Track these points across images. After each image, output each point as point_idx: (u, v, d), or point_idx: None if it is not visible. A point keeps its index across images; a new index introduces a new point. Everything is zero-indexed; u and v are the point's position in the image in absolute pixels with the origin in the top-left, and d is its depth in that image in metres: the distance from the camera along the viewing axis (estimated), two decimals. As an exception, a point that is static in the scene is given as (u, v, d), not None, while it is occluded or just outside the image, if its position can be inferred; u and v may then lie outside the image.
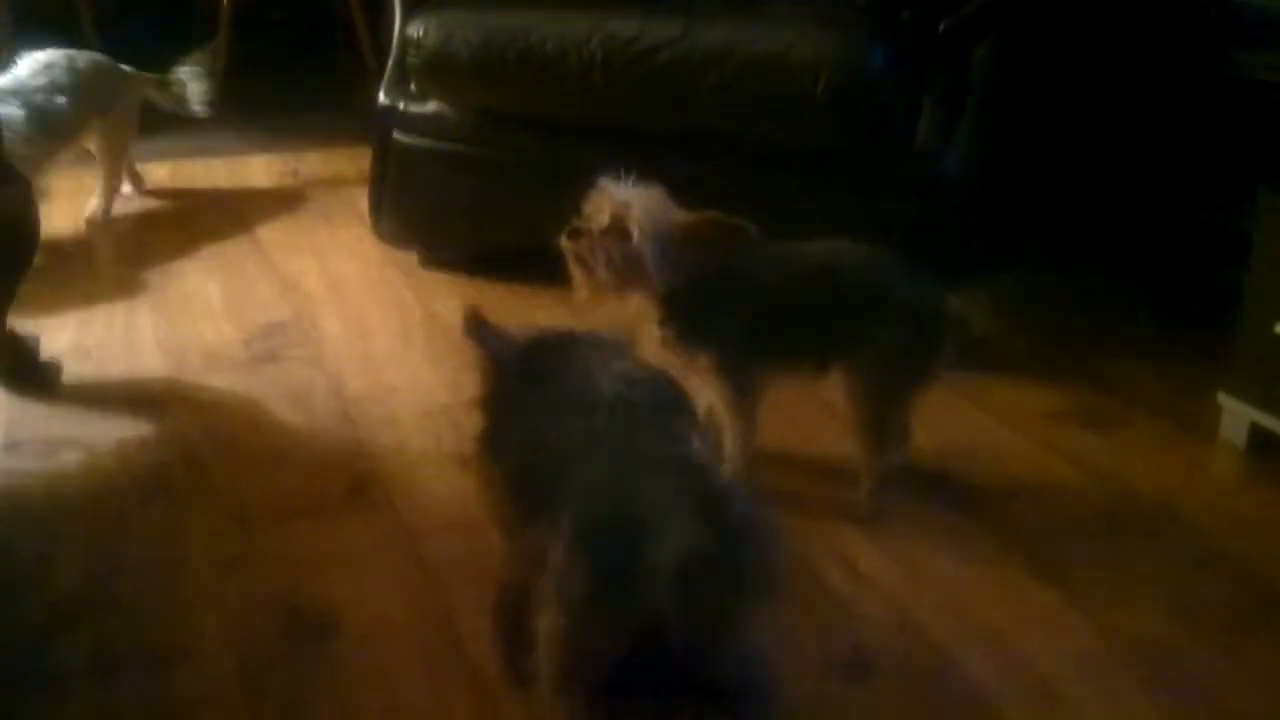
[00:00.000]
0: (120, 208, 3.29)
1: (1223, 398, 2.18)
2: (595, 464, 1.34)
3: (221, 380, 2.36)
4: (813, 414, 2.20)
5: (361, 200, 3.00)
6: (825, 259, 1.93)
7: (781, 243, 1.87)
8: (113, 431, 2.14)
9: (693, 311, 1.84)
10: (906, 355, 1.90)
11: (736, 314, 1.86)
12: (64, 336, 2.51)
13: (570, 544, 1.28)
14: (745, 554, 1.24)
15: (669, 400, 1.50)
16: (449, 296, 2.75)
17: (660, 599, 1.20)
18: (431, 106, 2.74)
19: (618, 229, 1.76)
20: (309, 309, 2.69)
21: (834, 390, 2.01)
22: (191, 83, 3.42)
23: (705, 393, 1.97)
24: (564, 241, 1.79)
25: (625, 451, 1.35)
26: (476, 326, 1.63)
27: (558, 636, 1.32)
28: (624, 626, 1.28)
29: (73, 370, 2.34)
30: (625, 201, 1.76)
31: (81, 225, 3.17)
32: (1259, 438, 2.14)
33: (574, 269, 1.81)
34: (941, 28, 2.40)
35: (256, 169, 3.74)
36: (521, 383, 1.56)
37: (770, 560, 1.29)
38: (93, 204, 3.21)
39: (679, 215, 1.79)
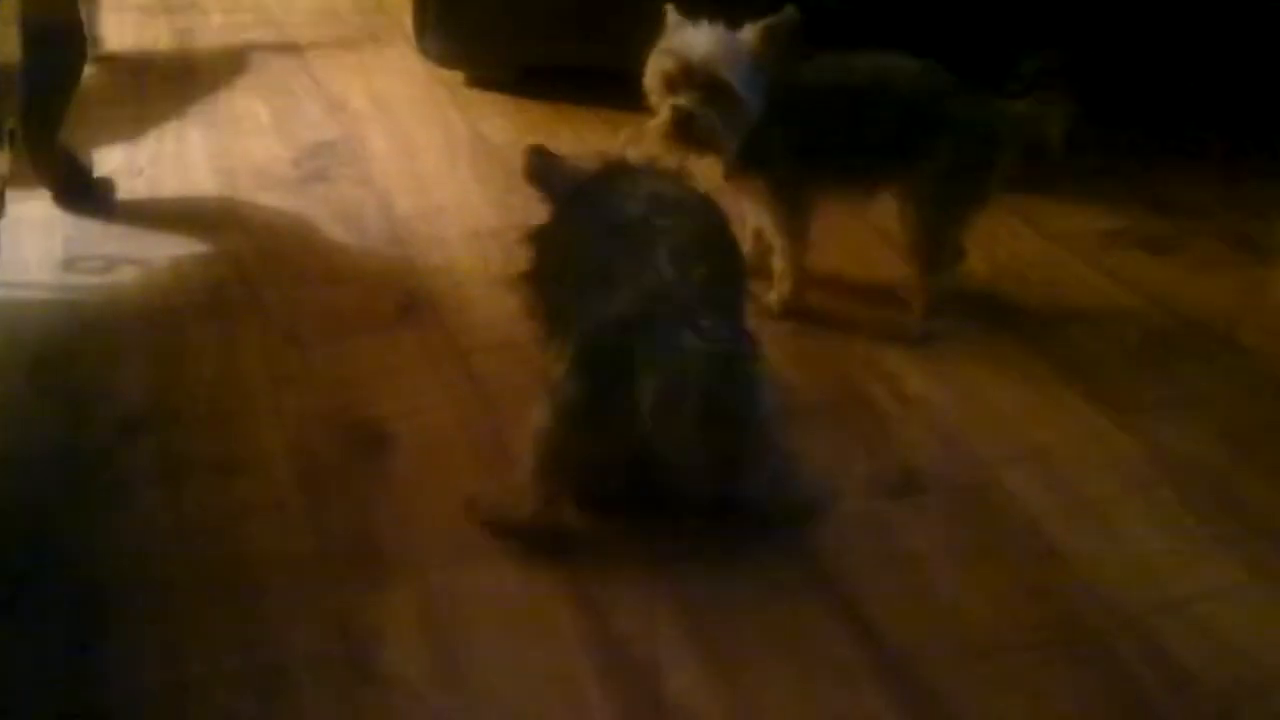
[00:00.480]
0: (167, 25, 3.26)
1: (1284, 218, 2.14)
2: (603, 291, 1.38)
3: (272, 199, 2.36)
4: (863, 237, 2.18)
5: (407, 17, 2.95)
6: (878, 72, 1.87)
7: (831, 55, 1.84)
8: (167, 249, 2.15)
9: (748, 135, 1.80)
10: (964, 171, 1.86)
11: (788, 131, 1.82)
12: (116, 155, 2.51)
13: (570, 362, 1.38)
14: (728, 392, 1.36)
15: (700, 225, 1.49)
16: (496, 116, 2.72)
17: (640, 429, 1.31)
18: (477, -83, 2.66)
19: (708, 91, 1.73)
20: (356, 128, 2.67)
21: (884, 213, 1.99)
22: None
23: (757, 213, 1.96)
24: (662, 117, 1.75)
25: (633, 280, 1.37)
26: (539, 166, 1.61)
27: (542, 438, 1.42)
28: (603, 446, 1.41)
29: (126, 188, 2.35)
30: (712, 59, 1.72)
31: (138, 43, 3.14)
32: (1322, 262, 2.11)
33: (664, 139, 1.76)
34: None
35: (301, -15, 3.68)
36: (566, 212, 1.57)
37: (753, 399, 1.42)
38: None
39: (746, 45, 1.75)
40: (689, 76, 1.73)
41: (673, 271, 1.36)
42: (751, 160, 1.83)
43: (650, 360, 1.30)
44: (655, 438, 1.33)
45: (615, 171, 1.58)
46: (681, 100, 1.73)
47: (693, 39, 1.74)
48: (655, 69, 1.76)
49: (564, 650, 1.35)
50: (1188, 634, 1.38)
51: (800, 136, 1.83)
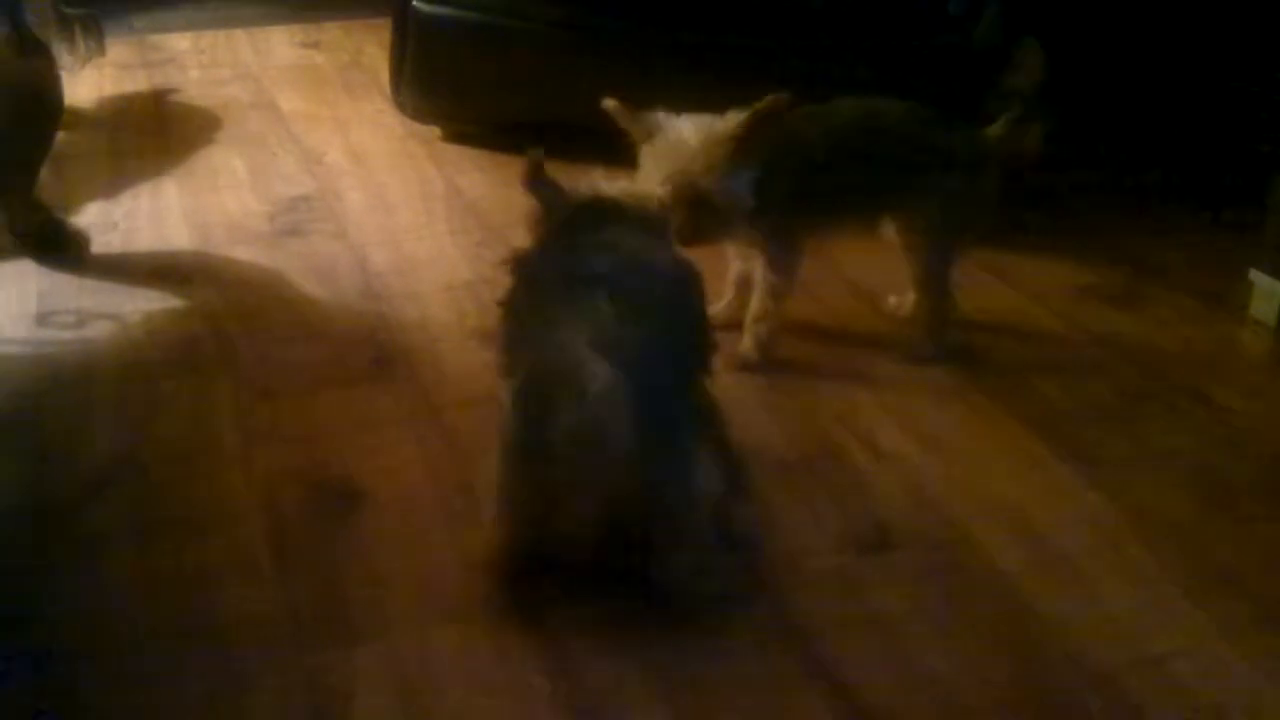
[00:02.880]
0: (145, 80, 3.27)
1: (1254, 275, 2.16)
2: (548, 333, 1.40)
3: (247, 253, 2.36)
4: (835, 288, 2.20)
5: (384, 72, 2.97)
6: (867, 113, 1.95)
7: (818, 103, 1.88)
8: (141, 303, 2.15)
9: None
10: (958, 199, 1.94)
11: (783, 181, 1.85)
12: (91, 209, 2.51)
13: (511, 397, 1.42)
14: (649, 462, 1.36)
15: (661, 288, 1.51)
16: (471, 170, 2.73)
17: (561, 467, 1.35)
18: (452, -27, 2.68)
19: (695, 206, 1.76)
20: (332, 183, 2.68)
21: (855, 265, 2.00)
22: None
23: (746, 256, 1.98)
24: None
25: (576, 326, 1.37)
26: (536, 176, 1.61)
27: (493, 478, 1.46)
28: (537, 481, 1.41)
29: (101, 242, 2.35)
30: (691, 175, 1.74)
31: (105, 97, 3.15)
32: (1290, 316, 2.12)
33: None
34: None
35: (277, 40, 3.70)
36: (543, 246, 1.59)
37: (673, 478, 1.41)
38: None
39: (728, 131, 1.76)
40: (677, 192, 1.74)
41: (616, 326, 1.37)
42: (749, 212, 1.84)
43: (570, 396, 1.31)
44: (571, 479, 1.35)
45: (597, 211, 1.58)
46: (678, 218, 1.74)
47: (673, 148, 1.76)
48: (647, 176, 1.78)
49: (534, 712, 1.34)
50: (1160, 693, 1.37)
51: (796, 184, 1.87)
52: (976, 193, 1.95)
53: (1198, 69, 2.73)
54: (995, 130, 1.98)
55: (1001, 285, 2.28)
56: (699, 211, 1.76)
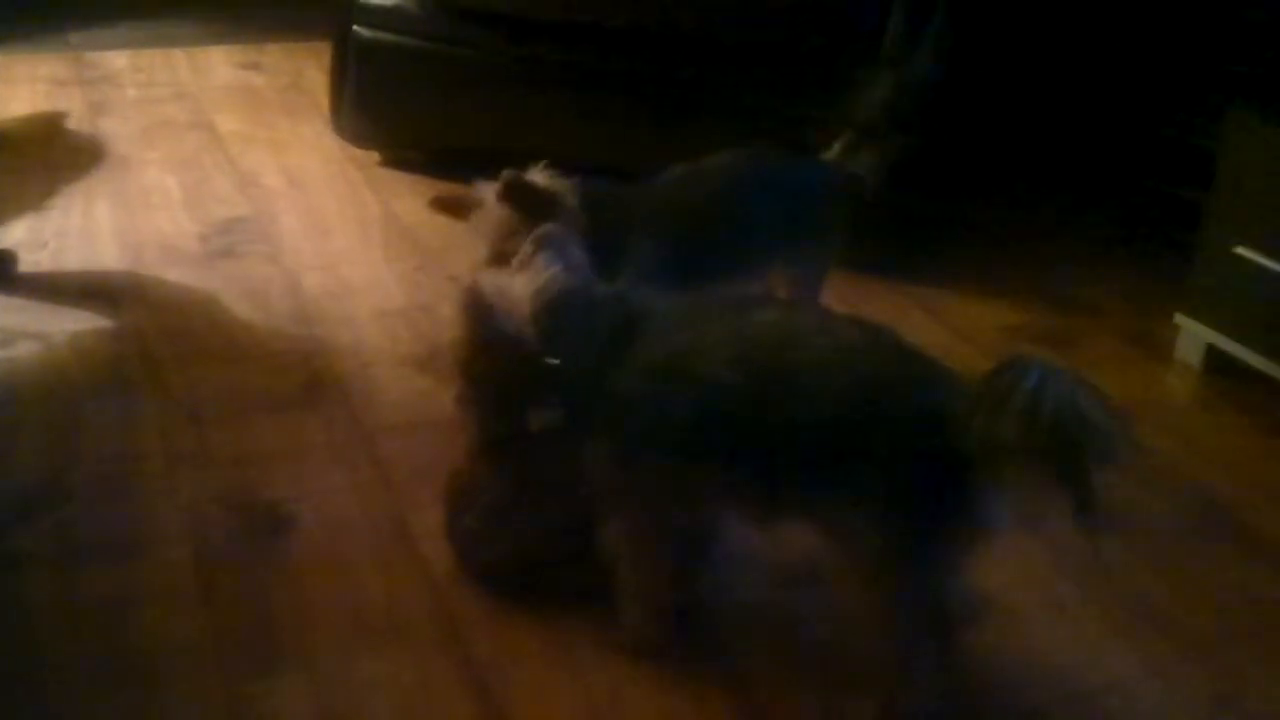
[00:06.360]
0: (80, 97, 3.23)
1: (1180, 318, 2.20)
2: None
3: (178, 274, 2.33)
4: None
5: (323, 95, 2.95)
6: (729, 175, 1.91)
7: (649, 181, 1.88)
8: (69, 324, 2.12)
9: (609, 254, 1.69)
10: (830, 229, 1.98)
11: (659, 246, 1.80)
12: (20, 226, 2.47)
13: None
14: None
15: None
16: (408, 195, 2.72)
17: None
18: None
19: None
20: (268, 205, 2.66)
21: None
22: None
23: None
24: None
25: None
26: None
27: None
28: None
29: (29, 260, 2.31)
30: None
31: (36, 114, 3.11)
32: (1215, 360, 2.17)
33: None
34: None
35: (217, 60, 3.67)
36: None
37: None
38: None
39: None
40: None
41: None
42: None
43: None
44: None
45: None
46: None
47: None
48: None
49: (460, 741, 1.33)
50: (1086, 728, 1.39)
51: (672, 249, 1.81)
52: (836, 220, 1.98)
53: (1128, 113, 2.79)
54: (831, 155, 1.99)
55: (932, 322, 2.30)
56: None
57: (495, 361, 1.39)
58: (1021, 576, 1.64)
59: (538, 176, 1.65)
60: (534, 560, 1.53)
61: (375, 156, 2.90)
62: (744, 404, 1.29)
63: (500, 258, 1.57)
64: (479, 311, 1.38)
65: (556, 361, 1.36)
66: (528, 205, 1.60)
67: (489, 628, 1.48)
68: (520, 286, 1.39)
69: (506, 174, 1.62)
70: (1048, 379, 1.16)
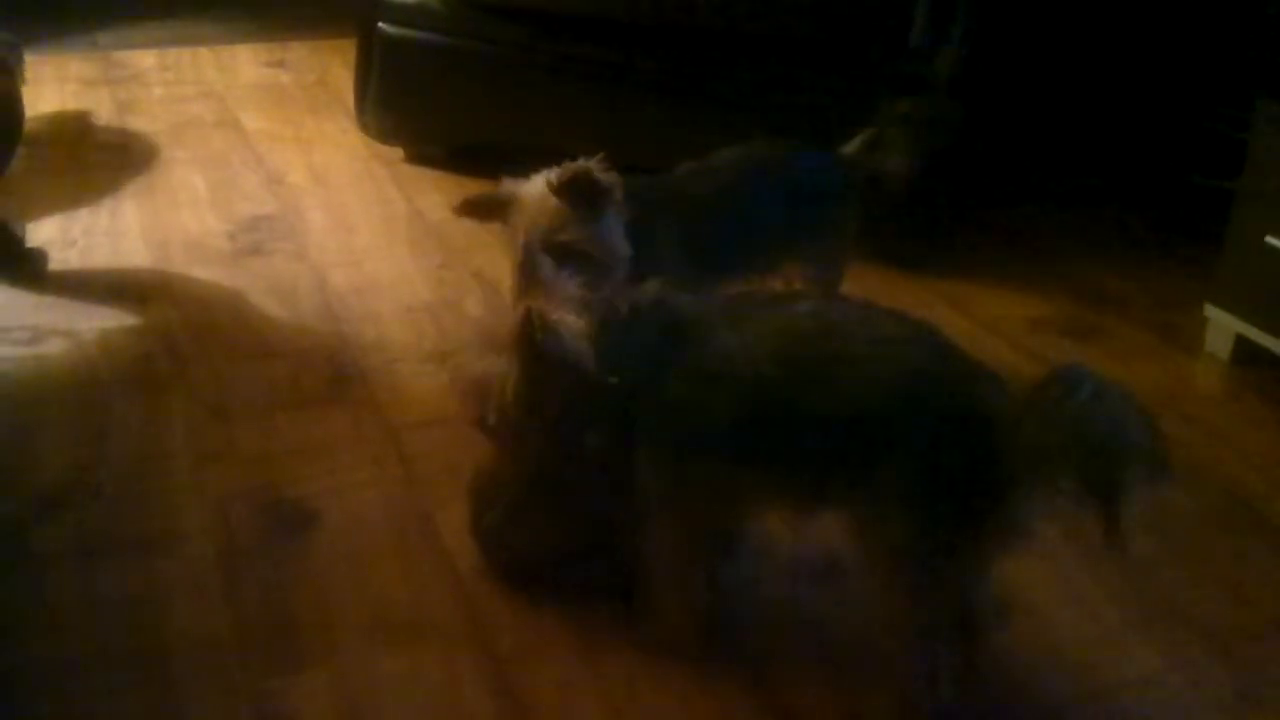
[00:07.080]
0: (108, 96, 3.25)
1: (1209, 309, 2.18)
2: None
3: (205, 272, 2.35)
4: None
5: (348, 92, 2.97)
6: (741, 170, 1.90)
7: (676, 172, 1.88)
8: (97, 321, 2.13)
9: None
10: (844, 226, 1.97)
11: (676, 242, 1.80)
12: (50, 225, 2.49)
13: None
14: None
15: None
16: (433, 192, 2.73)
17: None
18: (418, -4, 2.69)
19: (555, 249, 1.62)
20: (294, 202, 2.68)
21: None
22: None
23: None
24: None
25: None
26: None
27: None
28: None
29: (58, 258, 2.33)
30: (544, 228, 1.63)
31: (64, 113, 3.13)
32: (1244, 350, 2.15)
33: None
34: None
35: (243, 58, 3.69)
36: None
37: None
38: None
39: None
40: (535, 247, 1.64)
41: None
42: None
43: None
44: None
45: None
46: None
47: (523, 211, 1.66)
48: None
49: (482, 737, 1.33)
50: (1108, 723, 1.39)
51: (688, 246, 1.80)
52: (854, 210, 1.97)
53: (1159, 103, 2.77)
54: (851, 151, 1.98)
55: (957, 314, 2.29)
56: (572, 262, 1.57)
57: (557, 389, 1.34)
58: (1043, 571, 1.62)
59: (595, 170, 1.64)
60: (558, 556, 1.53)
61: (400, 153, 2.91)
62: (787, 396, 1.28)
63: (554, 249, 1.59)
64: (541, 340, 1.32)
65: (617, 380, 1.33)
66: (583, 198, 1.61)
67: (512, 624, 1.49)
68: (571, 308, 1.37)
69: (570, 166, 1.61)
70: (1101, 394, 1.16)
